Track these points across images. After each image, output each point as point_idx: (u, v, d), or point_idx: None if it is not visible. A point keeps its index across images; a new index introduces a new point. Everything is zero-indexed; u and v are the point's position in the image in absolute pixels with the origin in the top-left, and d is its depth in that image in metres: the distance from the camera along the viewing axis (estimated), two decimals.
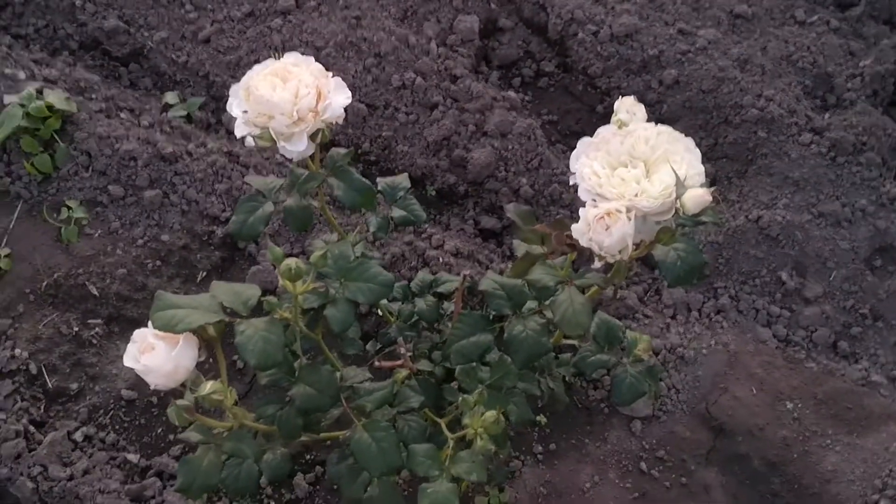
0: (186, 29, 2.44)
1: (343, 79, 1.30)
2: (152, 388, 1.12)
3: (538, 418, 1.89)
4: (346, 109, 2.28)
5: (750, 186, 2.37)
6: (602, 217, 1.11)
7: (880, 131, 2.40)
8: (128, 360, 1.10)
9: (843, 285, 2.20)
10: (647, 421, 1.94)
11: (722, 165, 2.41)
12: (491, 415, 1.26)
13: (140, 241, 2.02)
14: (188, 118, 2.34)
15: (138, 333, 1.11)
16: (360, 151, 2.35)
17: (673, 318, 2.16)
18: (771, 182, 2.34)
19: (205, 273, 2.03)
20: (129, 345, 1.11)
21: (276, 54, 1.28)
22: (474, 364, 1.44)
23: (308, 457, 1.83)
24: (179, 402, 1.15)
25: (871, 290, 2.21)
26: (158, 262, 2.00)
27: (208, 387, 1.13)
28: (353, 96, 2.29)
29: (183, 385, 1.14)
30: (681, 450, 1.90)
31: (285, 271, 1.14)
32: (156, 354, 1.09)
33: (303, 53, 1.27)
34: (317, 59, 1.27)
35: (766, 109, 2.40)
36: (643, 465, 1.87)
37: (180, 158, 2.11)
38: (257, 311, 1.18)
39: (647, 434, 1.92)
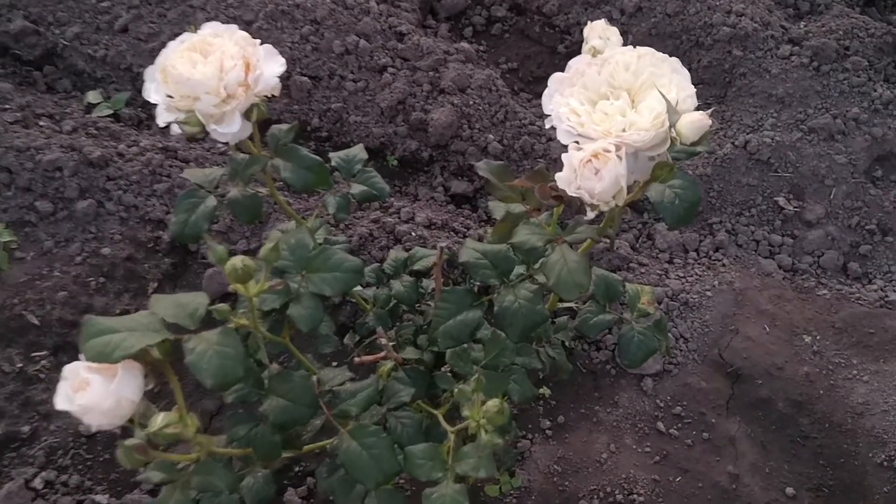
0: (101, 20, 2.25)
1: (280, 52, 1.15)
2: (94, 429, 0.94)
3: (542, 390, 1.77)
4: (288, 84, 2.08)
5: (732, 110, 2.26)
6: (589, 160, 0.96)
7: (862, 32, 2.29)
8: (60, 403, 0.92)
9: (844, 202, 2.10)
10: (659, 377, 1.81)
11: (699, 91, 2.24)
12: (493, 404, 1.10)
13: (78, 259, 1.83)
14: (115, 117, 2.16)
15: (68, 369, 0.93)
16: (309, 128, 2.18)
17: (670, 262, 2.04)
18: (754, 102, 2.24)
19: (156, 284, 1.85)
20: (59, 383, 0.93)
21: (193, 28, 1.12)
22: (465, 345, 1.30)
23: (297, 469, 1.68)
24: (128, 441, 0.97)
25: (875, 204, 2.11)
26: (102, 279, 1.82)
27: (160, 420, 0.95)
28: (293, 69, 2.15)
29: (132, 420, 0.97)
30: (698, 403, 1.78)
31: (231, 273, 0.97)
32: (92, 391, 0.91)
33: None
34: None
35: (738, 25, 2.29)
36: (660, 426, 1.74)
37: (111, 162, 1.92)
38: (210, 322, 1.01)
39: (661, 391, 1.79)
